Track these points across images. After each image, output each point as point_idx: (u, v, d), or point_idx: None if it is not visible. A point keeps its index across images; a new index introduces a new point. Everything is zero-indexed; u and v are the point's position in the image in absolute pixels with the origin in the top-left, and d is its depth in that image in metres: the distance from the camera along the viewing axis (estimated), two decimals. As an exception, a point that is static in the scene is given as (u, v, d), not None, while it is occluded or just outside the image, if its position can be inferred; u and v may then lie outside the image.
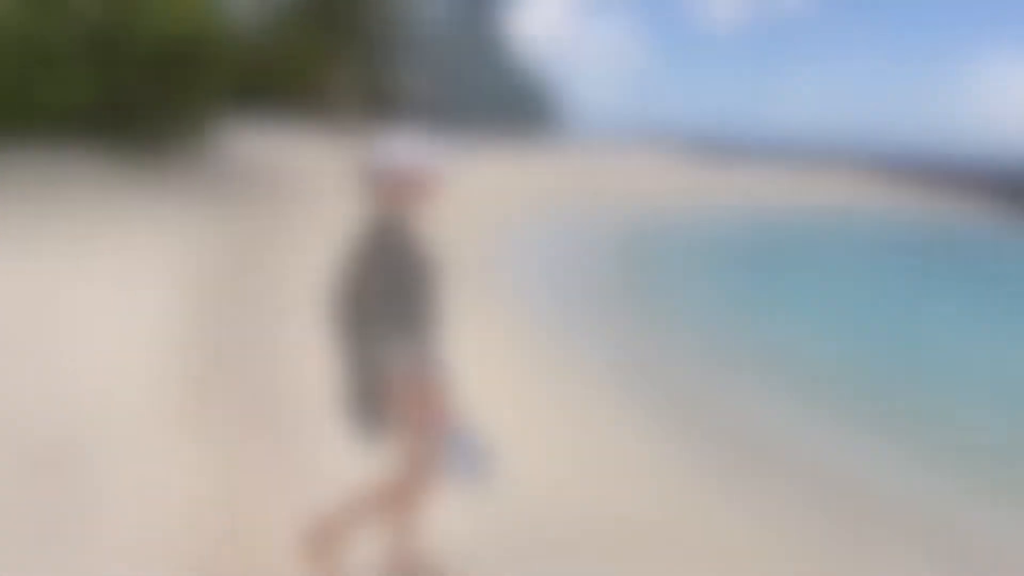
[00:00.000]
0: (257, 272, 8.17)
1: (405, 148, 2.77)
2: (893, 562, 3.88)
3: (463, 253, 11.61)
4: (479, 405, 5.51)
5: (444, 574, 3.24)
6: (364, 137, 26.22)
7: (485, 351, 7.00)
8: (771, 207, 26.36)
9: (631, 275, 12.16)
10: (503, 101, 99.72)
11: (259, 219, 11.22)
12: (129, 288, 7.24)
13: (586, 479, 4.45)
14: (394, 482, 2.86)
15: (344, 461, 4.31)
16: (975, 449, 5.81)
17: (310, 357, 5.81)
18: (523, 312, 8.84)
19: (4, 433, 4.18)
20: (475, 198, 17.44)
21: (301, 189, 14.42)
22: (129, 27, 10.95)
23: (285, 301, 7.37)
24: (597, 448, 5.02)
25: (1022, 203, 30.59)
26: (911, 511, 4.72)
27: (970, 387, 7.36)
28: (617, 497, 4.23)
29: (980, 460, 5.61)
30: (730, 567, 3.57)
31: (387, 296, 2.71)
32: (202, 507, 3.61)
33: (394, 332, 2.74)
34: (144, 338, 5.96)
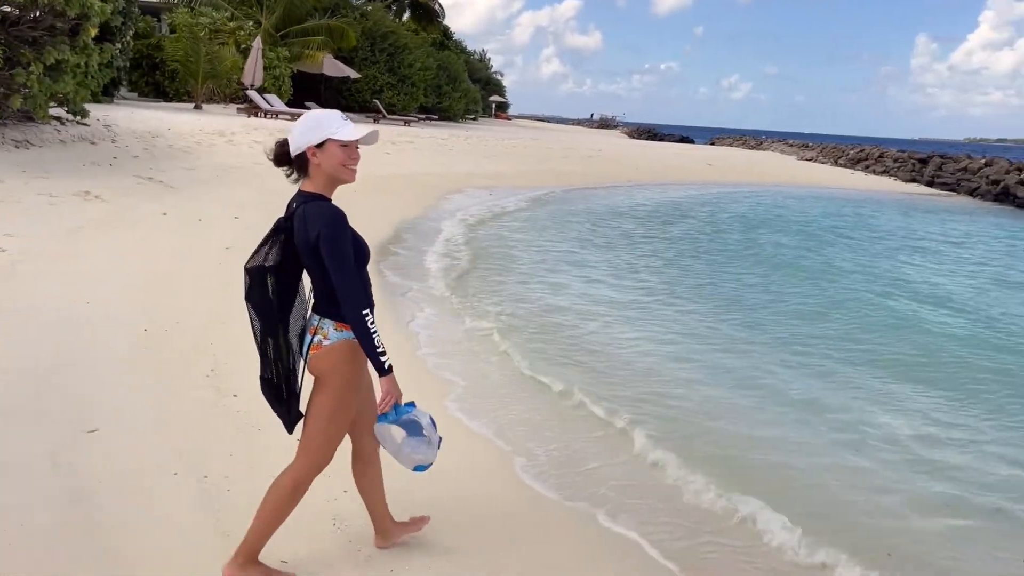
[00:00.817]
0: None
1: (348, 122, 2.72)
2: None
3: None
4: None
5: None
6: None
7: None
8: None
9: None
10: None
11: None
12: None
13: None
14: (303, 469, 2.82)
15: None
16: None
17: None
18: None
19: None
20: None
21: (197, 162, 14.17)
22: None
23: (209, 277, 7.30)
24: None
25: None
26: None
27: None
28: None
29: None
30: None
31: (319, 270, 2.67)
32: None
33: (328, 308, 2.71)
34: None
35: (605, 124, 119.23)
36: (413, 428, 2.76)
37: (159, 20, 31.09)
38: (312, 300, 2.80)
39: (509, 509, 3.82)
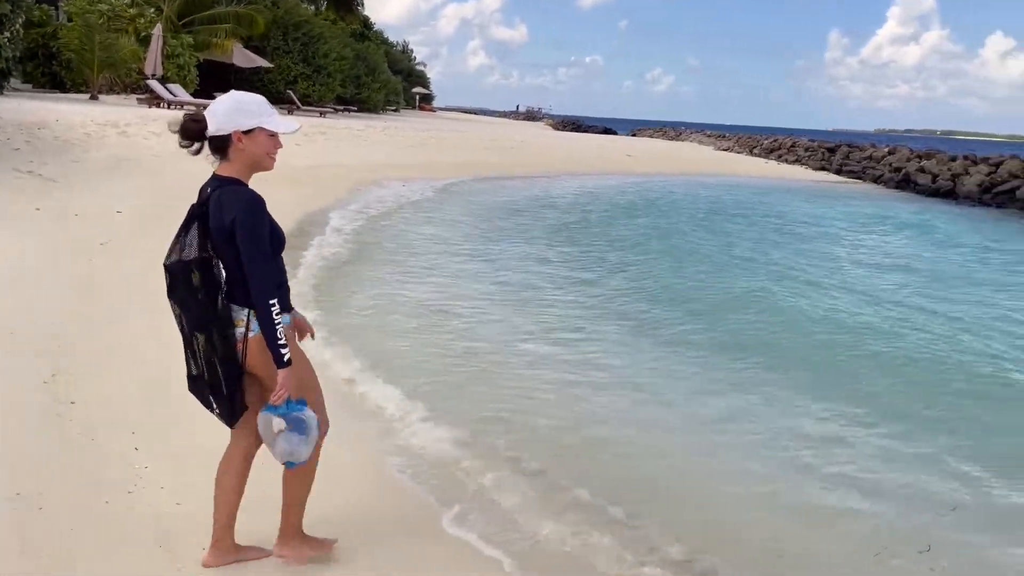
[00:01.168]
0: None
1: (275, 110, 2.70)
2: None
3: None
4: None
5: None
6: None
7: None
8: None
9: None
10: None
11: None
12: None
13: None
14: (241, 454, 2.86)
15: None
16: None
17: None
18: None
19: None
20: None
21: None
22: None
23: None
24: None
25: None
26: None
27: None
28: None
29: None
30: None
31: (234, 257, 2.59)
32: None
33: (248, 297, 2.63)
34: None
35: (531, 116, 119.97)
36: (299, 426, 2.70)
37: (56, 8, 29.50)
38: (225, 289, 2.66)
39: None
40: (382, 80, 46.72)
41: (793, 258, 12.79)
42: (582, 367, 6.31)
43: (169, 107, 25.86)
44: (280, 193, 13.19)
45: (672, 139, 62.46)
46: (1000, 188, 27.77)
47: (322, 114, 35.13)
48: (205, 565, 2.93)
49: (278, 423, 2.69)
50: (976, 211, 25.33)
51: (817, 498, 4.41)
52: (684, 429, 5.30)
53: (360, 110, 43.57)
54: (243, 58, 33.48)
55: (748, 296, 9.60)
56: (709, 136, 58.89)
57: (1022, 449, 5.37)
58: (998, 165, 29.86)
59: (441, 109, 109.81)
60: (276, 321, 2.57)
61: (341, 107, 40.44)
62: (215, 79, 33.55)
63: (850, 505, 4.36)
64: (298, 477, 2.89)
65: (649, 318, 8.31)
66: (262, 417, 2.72)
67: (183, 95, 28.25)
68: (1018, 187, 26.97)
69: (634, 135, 68.50)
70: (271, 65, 35.49)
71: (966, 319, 9.11)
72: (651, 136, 66.00)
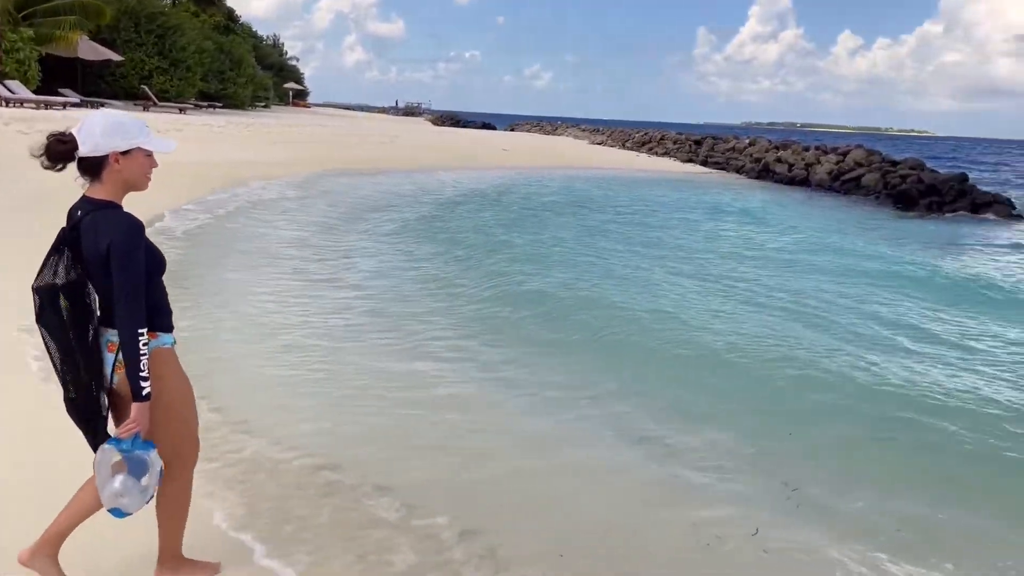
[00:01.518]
0: None
1: (149, 129, 2.66)
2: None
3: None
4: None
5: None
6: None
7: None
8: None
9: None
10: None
11: None
12: None
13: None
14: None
15: None
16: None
17: None
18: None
19: None
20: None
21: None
22: None
23: None
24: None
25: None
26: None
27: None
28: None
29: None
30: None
31: (109, 283, 2.49)
32: None
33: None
34: None
35: (411, 112, 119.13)
36: (138, 468, 2.54)
37: None
38: (99, 315, 2.61)
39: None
40: (248, 75, 44.95)
41: (641, 249, 13.11)
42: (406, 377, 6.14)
43: (8, 105, 23.92)
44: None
45: (549, 133, 63.32)
46: (847, 176, 29.62)
47: (182, 110, 33.46)
48: (20, 560, 2.79)
49: (118, 463, 2.53)
50: (826, 199, 26.89)
51: (647, 491, 4.41)
52: (512, 433, 5.22)
53: (225, 106, 41.71)
54: (90, 51, 31.38)
55: (575, 290, 9.55)
56: (584, 130, 60.11)
57: (833, 435, 5.57)
58: (845, 154, 31.84)
59: (318, 105, 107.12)
60: (142, 352, 2.49)
61: (204, 103, 38.62)
62: (60, 74, 31.32)
63: (678, 496, 4.38)
64: (172, 499, 2.84)
65: (492, 318, 8.23)
66: (103, 449, 2.56)
67: (23, 92, 26.25)
68: (862, 175, 28.86)
69: (512, 130, 69.10)
70: (121, 58, 33.41)
71: (801, 307, 9.50)
72: (529, 131, 66.69)
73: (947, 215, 23.18)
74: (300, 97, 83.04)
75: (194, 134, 23.21)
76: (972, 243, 17.22)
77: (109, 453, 2.54)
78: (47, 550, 2.76)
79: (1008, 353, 7.78)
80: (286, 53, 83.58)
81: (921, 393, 6.28)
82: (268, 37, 79.36)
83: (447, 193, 19.70)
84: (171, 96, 35.80)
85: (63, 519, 2.76)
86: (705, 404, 5.86)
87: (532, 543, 3.67)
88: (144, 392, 2.51)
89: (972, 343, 8.08)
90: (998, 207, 23.81)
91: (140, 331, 2.49)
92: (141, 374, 2.50)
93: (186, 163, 17.14)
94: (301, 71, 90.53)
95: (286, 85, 74.21)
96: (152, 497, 2.65)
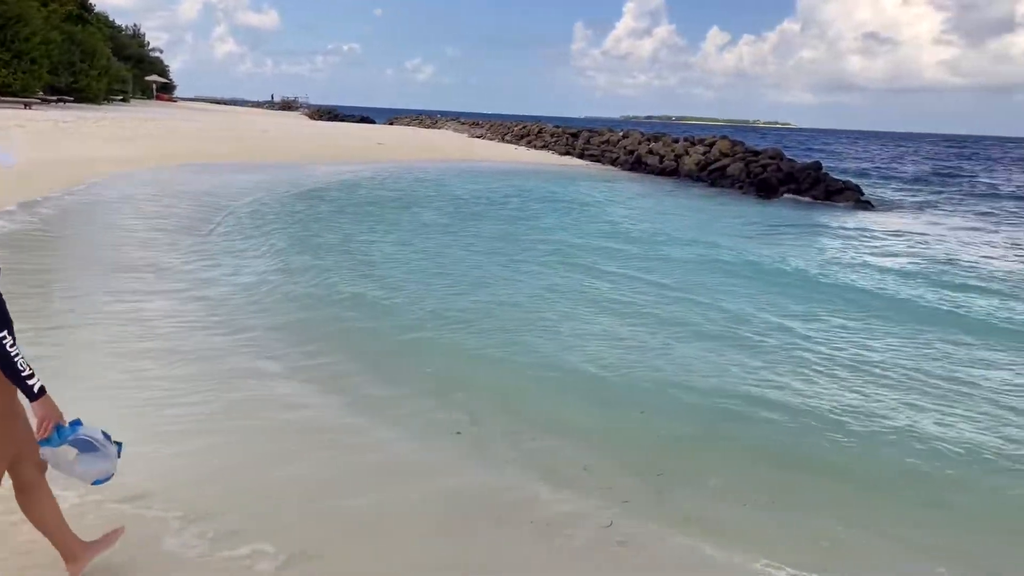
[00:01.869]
0: None
1: None
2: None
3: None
4: None
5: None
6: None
7: None
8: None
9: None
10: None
11: None
12: None
13: None
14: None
15: None
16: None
17: None
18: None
19: None
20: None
21: None
22: None
23: None
24: None
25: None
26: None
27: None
28: None
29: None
30: None
31: None
32: None
33: None
34: None
35: (288, 105, 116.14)
36: (85, 446, 2.63)
37: None
38: None
39: None
40: (102, 67, 42.14)
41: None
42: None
43: None
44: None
45: (429, 127, 62.84)
46: (714, 166, 30.80)
47: (27, 106, 31.00)
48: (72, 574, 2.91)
49: (67, 451, 2.60)
50: (694, 188, 27.87)
51: (500, 494, 4.28)
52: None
53: (78, 100, 38.97)
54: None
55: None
56: (464, 124, 59.96)
57: (680, 430, 5.64)
58: (711, 146, 33.09)
59: (187, 99, 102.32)
60: (13, 352, 2.40)
61: (53, 98, 35.93)
62: None
63: (529, 494, 4.27)
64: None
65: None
66: (44, 454, 2.63)
67: None
68: (727, 165, 30.07)
69: (391, 123, 68.19)
70: (-48, 49, 30.60)
71: (641, 304, 9.71)
72: (407, 124, 65.96)
73: (804, 201, 24.48)
74: (165, 90, 78.93)
75: (38, 131, 21.47)
76: (812, 230, 18.02)
77: (49, 453, 2.61)
78: (72, 553, 2.88)
79: (807, 340, 8.19)
80: (147, 44, 79.24)
81: (755, 385, 6.47)
82: (128, 27, 75.02)
83: (305, 187, 19.01)
84: (15, 90, 33.08)
85: (51, 537, 2.85)
86: (548, 404, 5.81)
87: (364, 564, 3.47)
88: (35, 388, 2.49)
89: (807, 331, 8.45)
90: (848, 193, 25.34)
91: (2, 334, 2.40)
92: (23, 374, 2.45)
93: (26, 162, 15.81)
94: (166, 63, 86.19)
95: (148, 78, 70.33)
96: (118, 447, 2.76)
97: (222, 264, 9.71)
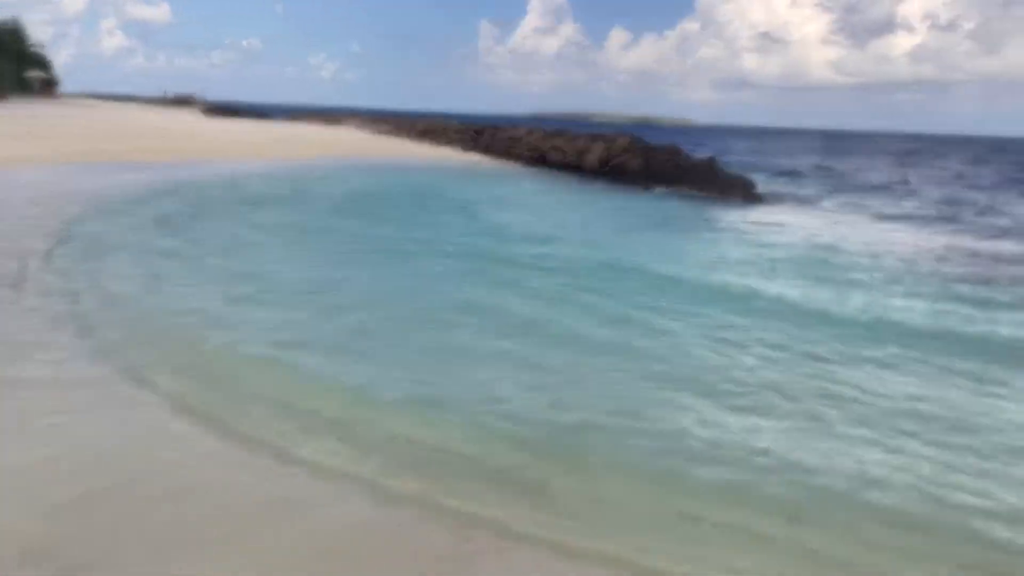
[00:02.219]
0: None
1: None
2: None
3: None
4: None
5: None
6: None
7: None
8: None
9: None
10: None
11: None
12: None
13: None
14: None
15: None
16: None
17: None
18: None
19: None
20: None
21: None
22: None
23: None
24: None
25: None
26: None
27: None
28: None
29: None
30: None
31: None
32: None
33: None
34: None
35: (183, 101, 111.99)
36: None
37: None
38: None
39: None
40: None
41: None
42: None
43: None
44: None
45: (332, 124, 61.50)
46: (614, 162, 31.19)
47: None
48: None
49: None
50: (596, 183, 28.16)
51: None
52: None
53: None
54: None
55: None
56: (368, 120, 58.97)
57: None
58: (612, 142, 33.52)
59: (73, 96, 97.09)
60: None
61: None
62: None
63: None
64: None
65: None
66: None
67: None
68: (626, 161, 30.51)
69: (293, 120, 66.48)
70: None
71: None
72: (310, 121, 64.42)
73: (700, 196, 25.04)
74: (48, 86, 74.51)
75: None
76: (701, 224, 18.44)
77: None
78: None
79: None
80: (28, 38, 74.60)
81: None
82: (7, 21, 70.42)
83: (184, 184, 18.14)
84: None
85: None
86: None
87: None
88: None
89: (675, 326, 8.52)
90: (741, 188, 26.08)
91: None
92: None
93: None
94: (49, 58, 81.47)
95: (29, 74, 66.27)
96: None
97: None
